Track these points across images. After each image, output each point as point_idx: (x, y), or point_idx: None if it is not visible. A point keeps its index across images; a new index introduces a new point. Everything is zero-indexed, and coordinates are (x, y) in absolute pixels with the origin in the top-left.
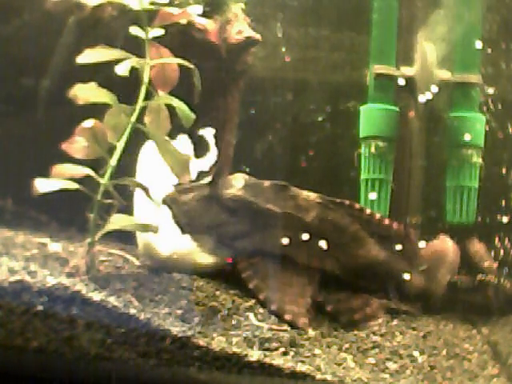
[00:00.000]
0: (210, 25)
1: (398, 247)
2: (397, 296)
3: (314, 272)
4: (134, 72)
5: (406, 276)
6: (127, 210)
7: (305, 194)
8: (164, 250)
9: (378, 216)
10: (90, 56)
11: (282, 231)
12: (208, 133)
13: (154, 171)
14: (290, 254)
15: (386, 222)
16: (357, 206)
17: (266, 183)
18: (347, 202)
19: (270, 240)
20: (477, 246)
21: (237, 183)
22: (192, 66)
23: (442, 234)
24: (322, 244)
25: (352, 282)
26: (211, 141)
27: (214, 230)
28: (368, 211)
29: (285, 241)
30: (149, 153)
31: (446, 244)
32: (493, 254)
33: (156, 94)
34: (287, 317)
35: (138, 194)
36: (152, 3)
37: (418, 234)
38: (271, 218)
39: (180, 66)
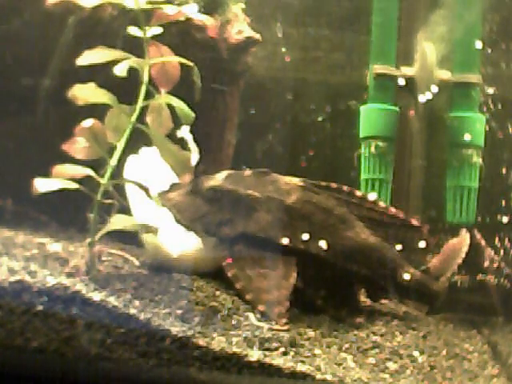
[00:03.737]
0: (208, 21)
1: (397, 234)
2: (391, 288)
3: (295, 258)
4: (135, 72)
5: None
6: (124, 210)
7: (287, 178)
8: (173, 250)
9: (371, 199)
10: (89, 58)
11: (263, 215)
12: (186, 133)
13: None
14: (272, 238)
15: (381, 205)
16: (345, 188)
17: (248, 172)
18: (334, 185)
19: (252, 225)
20: (479, 239)
21: (219, 176)
22: (191, 64)
23: (464, 230)
24: (305, 226)
25: (340, 265)
26: (190, 140)
27: (199, 222)
28: (359, 194)
29: (267, 224)
30: (134, 162)
31: (463, 242)
32: (492, 253)
33: (157, 93)
34: (260, 307)
35: (132, 194)
36: (149, 2)
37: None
38: (251, 203)
39: (180, 64)
